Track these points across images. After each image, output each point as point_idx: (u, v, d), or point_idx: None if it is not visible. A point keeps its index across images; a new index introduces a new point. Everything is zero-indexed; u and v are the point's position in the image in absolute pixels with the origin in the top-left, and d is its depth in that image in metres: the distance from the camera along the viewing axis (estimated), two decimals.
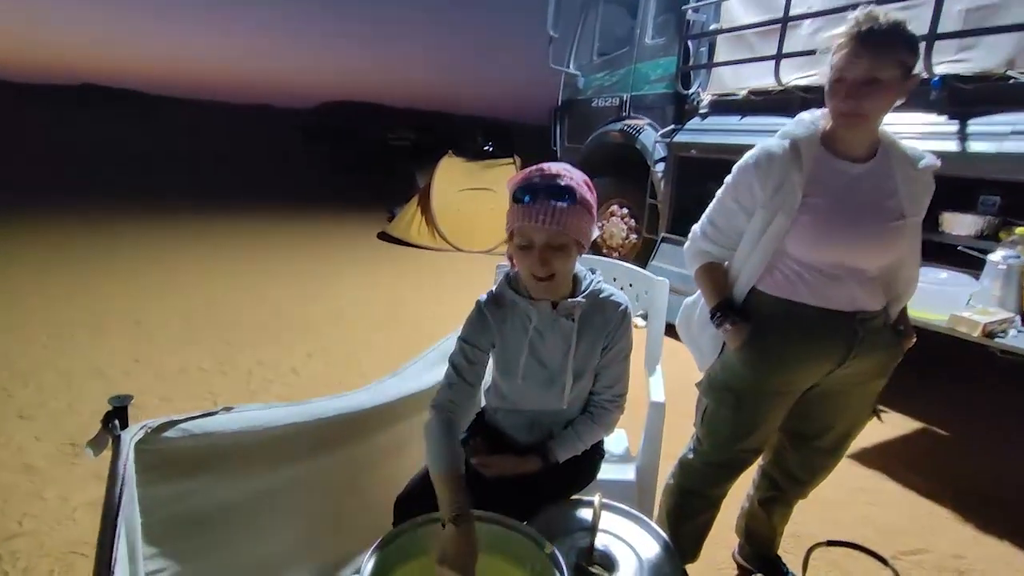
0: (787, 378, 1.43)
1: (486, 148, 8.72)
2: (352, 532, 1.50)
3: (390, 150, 18.50)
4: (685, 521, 1.65)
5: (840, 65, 1.25)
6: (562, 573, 1.01)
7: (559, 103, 6.43)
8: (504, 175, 7.23)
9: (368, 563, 0.99)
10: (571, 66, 6.10)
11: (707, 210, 1.53)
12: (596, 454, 1.48)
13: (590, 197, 1.24)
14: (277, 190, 11.00)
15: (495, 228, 6.67)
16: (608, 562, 1.19)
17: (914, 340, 1.50)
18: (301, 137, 22.85)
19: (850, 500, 2.29)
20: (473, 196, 6.96)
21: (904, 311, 1.50)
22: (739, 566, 1.87)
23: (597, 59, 5.83)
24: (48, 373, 2.95)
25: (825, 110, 1.36)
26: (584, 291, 1.31)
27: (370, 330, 3.96)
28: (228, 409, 1.00)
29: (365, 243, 6.95)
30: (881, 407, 1.60)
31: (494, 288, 1.36)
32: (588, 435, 1.38)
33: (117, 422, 0.83)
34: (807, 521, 2.04)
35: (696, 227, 1.55)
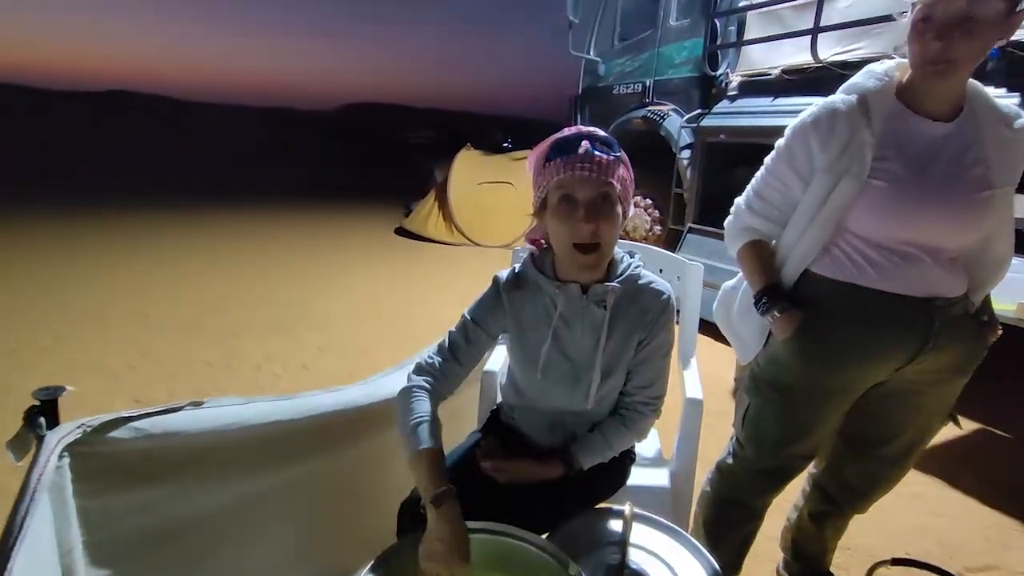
0: (847, 375, 1.23)
1: (505, 144, 8.57)
2: (352, 542, 1.34)
3: (409, 148, 18.49)
4: (724, 533, 1.46)
5: (929, 0, 1.04)
6: None
7: (579, 91, 6.24)
8: (523, 169, 7.06)
9: None
10: (591, 52, 5.91)
11: (753, 181, 1.34)
12: (626, 458, 1.31)
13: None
14: (296, 188, 10.99)
15: (514, 222, 6.50)
16: None
17: (999, 333, 1.29)
18: (322, 137, 23.05)
19: (906, 508, 2.06)
20: (492, 189, 6.80)
21: (988, 299, 1.30)
22: None
23: (618, 44, 5.63)
24: (51, 365, 2.87)
25: (899, 61, 1.17)
26: (620, 275, 1.14)
27: (384, 325, 3.83)
28: (197, 404, 0.85)
29: (381, 238, 6.84)
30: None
31: (516, 267, 1.19)
32: (617, 441, 1.20)
33: (43, 420, 0.68)
34: (858, 531, 1.82)
35: (740, 200, 1.36)
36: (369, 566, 0.86)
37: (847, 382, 1.24)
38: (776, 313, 1.22)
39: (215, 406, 0.87)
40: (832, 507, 1.50)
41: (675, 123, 4.63)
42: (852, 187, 1.14)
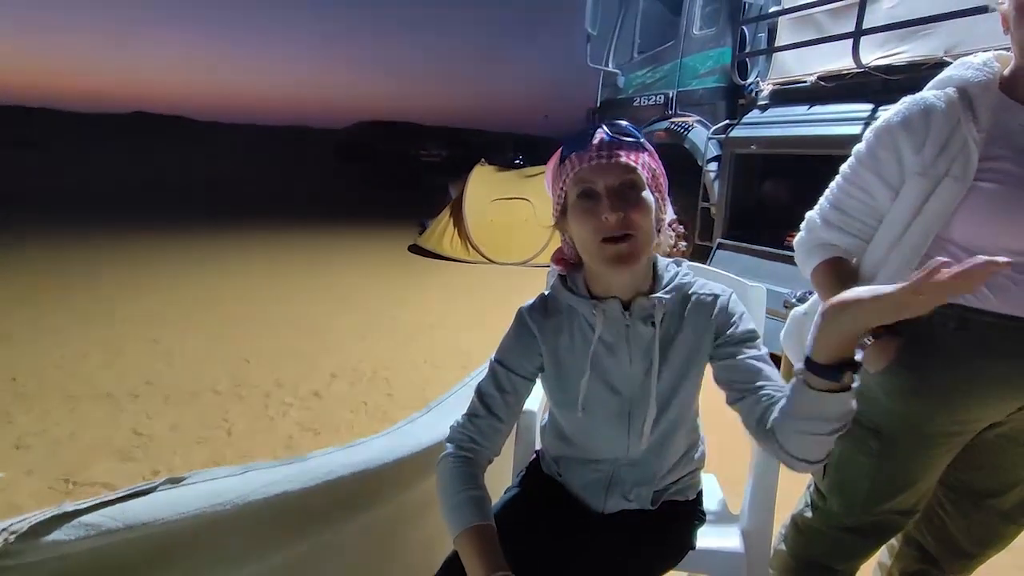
0: (958, 416, 1.04)
1: (516, 161, 8.44)
2: None
3: (422, 166, 18.50)
4: None
5: None
6: None
7: (597, 103, 6.10)
8: (539, 185, 6.91)
9: None
10: (610, 64, 5.77)
11: (828, 191, 1.17)
12: (693, 518, 1.10)
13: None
14: (309, 206, 10.94)
15: (530, 239, 6.33)
16: None
17: None
18: (336, 156, 23.25)
19: (996, 564, 1.80)
20: (507, 206, 6.64)
21: None
22: None
23: (638, 56, 5.49)
24: (54, 397, 2.72)
25: (996, 52, 1.02)
26: (667, 285, 0.95)
27: (399, 346, 3.65)
28: (175, 481, 0.66)
29: (395, 256, 6.69)
30: None
31: (545, 291, 1.01)
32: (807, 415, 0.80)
33: None
34: None
35: (813, 214, 1.18)
36: None
37: (959, 424, 1.05)
38: (868, 340, 1.03)
39: (201, 480, 0.69)
40: (930, 567, 1.28)
41: (701, 135, 4.45)
42: (954, 191, 0.96)
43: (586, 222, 0.88)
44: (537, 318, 0.98)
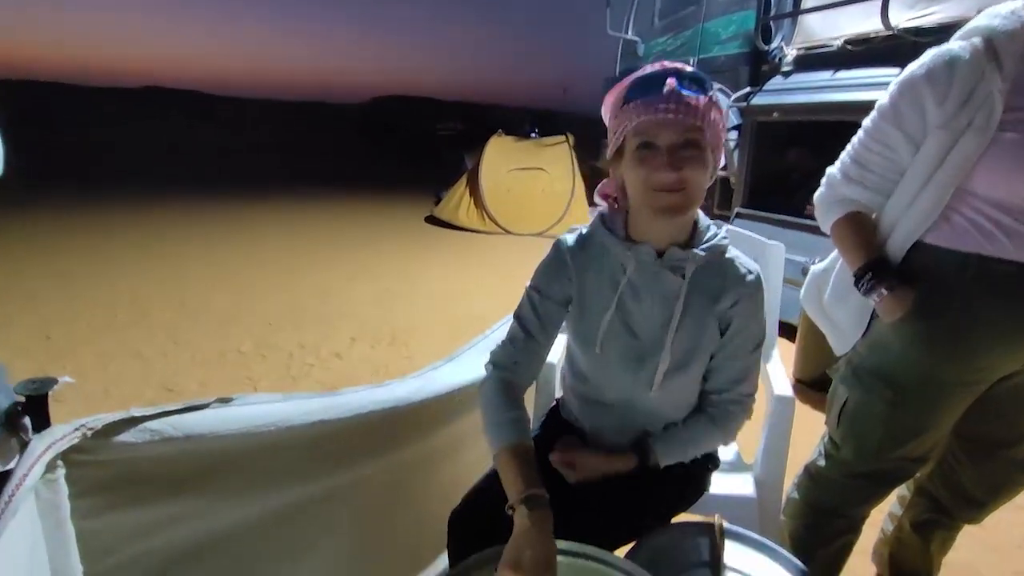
0: (973, 364, 1.05)
1: (531, 135, 8.34)
2: (401, 555, 1.21)
3: (439, 140, 18.40)
4: (816, 547, 1.28)
5: None
6: None
7: (616, 73, 6.00)
8: (556, 155, 6.86)
9: None
10: (630, 31, 5.66)
11: (848, 147, 1.17)
12: (708, 462, 1.14)
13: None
14: (327, 180, 10.96)
15: (547, 209, 6.33)
16: None
17: None
18: (352, 130, 23.19)
19: (1013, 521, 1.82)
20: (524, 176, 6.62)
21: None
22: None
23: (659, 22, 5.37)
24: (87, 354, 2.82)
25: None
26: (704, 242, 0.96)
27: (418, 313, 3.71)
28: (225, 401, 0.71)
29: (412, 227, 6.73)
30: None
31: (582, 228, 1.03)
32: (704, 438, 1.04)
33: (28, 421, 0.54)
34: (956, 546, 1.61)
35: (833, 169, 1.19)
36: None
37: (973, 373, 1.06)
38: (884, 291, 1.05)
39: (247, 403, 0.73)
40: (941, 516, 1.31)
41: (722, 103, 4.38)
42: (977, 142, 0.97)
43: (641, 171, 0.88)
44: (573, 250, 1.01)
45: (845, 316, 1.20)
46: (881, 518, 1.44)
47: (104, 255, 4.67)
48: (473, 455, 1.33)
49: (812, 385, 2.62)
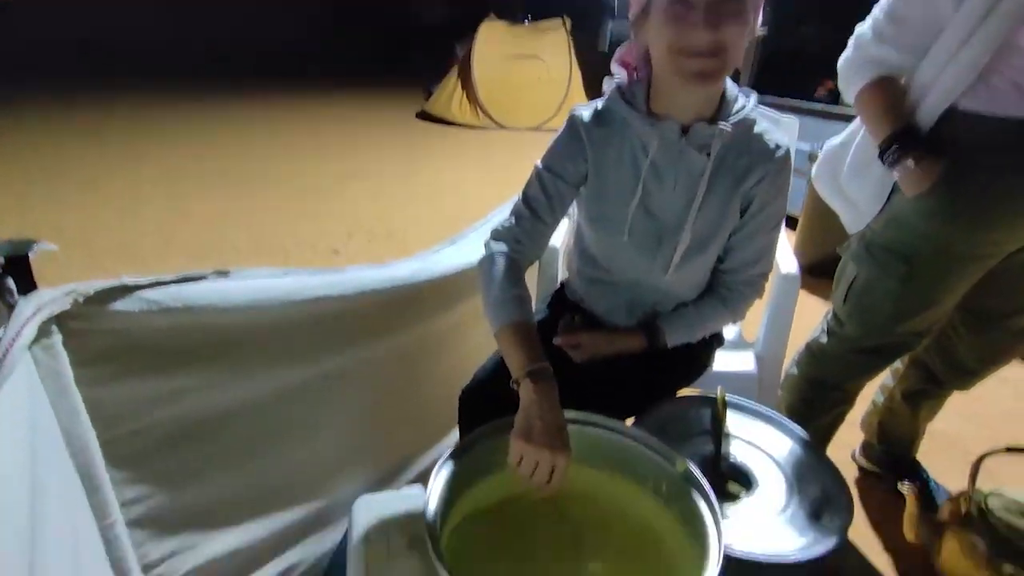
0: (990, 237, 1.03)
1: (525, 20, 7.73)
2: (411, 434, 1.25)
3: (423, 27, 17.16)
4: (810, 419, 1.33)
5: None
6: (709, 502, 0.71)
7: None
8: (553, 42, 6.43)
9: (438, 478, 0.71)
10: None
11: (880, 3, 1.05)
12: (714, 340, 1.14)
13: None
14: (311, 74, 10.40)
15: (543, 101, 6.04)
16: (742, 476, 0.89)
17: None
18: (333, 21, 21.52)
19: (994, 393, 1.89)
20: (519, 65, 6.25)
21: None
22: (861, 470, 1.57)
23: None
24: (76, 253, 2.78)
25: None
26: (732, 115, 0.89)
27: (413, 209, 3.64)
28: (222, 273, 0.68)
29: (403, 124, 6.45)
30: None
31: (599, 103, 0.96)
32: (712, 319, 1.03)
33: (12, 282, 0.51)
34: (942, 417, 1.65)
35: (863, 28, 1.09)
36: (448, 454, 0.73)
37: (990, 246, 1.04)
38: (910, 162, 0.99)
39: (246, 277, 0.70)
40: (932, 386, 1.36)
41: None
42: None
43: (672, 31, 0.77)
44: (589, 126, 0.94)
45: (863, 192, 1.16)
46: (872, 391, 1.49)
47: (94, 153, 4.48)
48: (478, 340, 1.33)
49: (811, 271, 2.63)
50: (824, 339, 1.27)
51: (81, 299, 0.51)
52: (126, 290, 0.55)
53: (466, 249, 1.23)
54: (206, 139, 5.21)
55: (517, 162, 4.87)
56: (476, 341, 1.33)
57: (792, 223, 2.77)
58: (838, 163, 1.22)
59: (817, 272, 2.47)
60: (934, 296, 1.10)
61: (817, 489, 0.85)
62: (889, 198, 1.11)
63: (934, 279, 1.09)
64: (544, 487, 0.72)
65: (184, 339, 0.65)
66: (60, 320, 0.51)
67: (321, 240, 3.07)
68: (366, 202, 3.74)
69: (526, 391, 0.78)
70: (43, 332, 0.50)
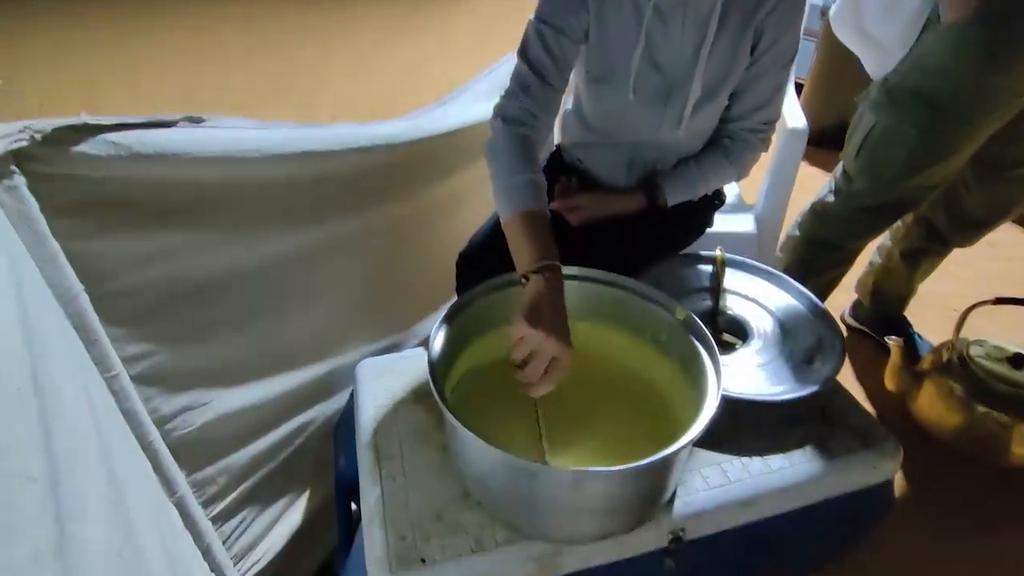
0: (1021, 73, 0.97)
1: None
2: (410, 299, 1.25)
3: None
4: (809, 279, 1.34)
5: None
6: (709, 348, 0.72)
7: None
8: None
9: (437, 336, 0.71)
10: None
11: None
12: (714, 199, 1.11)
13: None
14: None
15: None
16: (739, 328, 0.91)
17: None
18: None
19: (979, 255, 1.89)
20: None
21: None
22: (850, 329, 1.61)
23: None
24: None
25: None
26: None
27: (395, 83, 3.45)
28: (195, 120, 0.61)
29: None
30: None
31: None
32: (715, 175, 0.99)
33: None
34: (928, 279, 1.69)
35: None
36: (441, 317, 0.73)
37: (1019, 82, 0.98)
38: None
39: (222, 126, 0.64)
40: (934, 244, 1.36)
41: None
42: None
43: None
44: None
45: (891, 31, 1.07)
46: (870, 253, 1.49)
47: (60, 32, 4.12)
48: (473, 207, 1.30)
49: (814, 141, 2.54)
50: (831, 198, 1.24)
51: (39, 137, 0.47)
52: (88, 130, 0.50)
53: (455, 110, 1.16)
54: (176, 28, 4.76)
55: (503, 36, 4.52)
56: (472, 210, 1.30)
57: (797, 89, 2.63)
58: (861, 4, 1.12)
59: (820, 141, 2.38)
60: (955, 144, 1.06)
61: (812, 337, 0.87)
62: (918, 39, 1.03)
63: (957, 125, 1.04)
64: (537, 383, 0.66)
65: (160, 194, 0.61)
66: (19, 161, 0.47)
67: (306, 120, 2.92)
68: (345, 79, 3.56)
69: (535, 285, 0.70)
70: (2, 173, 0.46)
